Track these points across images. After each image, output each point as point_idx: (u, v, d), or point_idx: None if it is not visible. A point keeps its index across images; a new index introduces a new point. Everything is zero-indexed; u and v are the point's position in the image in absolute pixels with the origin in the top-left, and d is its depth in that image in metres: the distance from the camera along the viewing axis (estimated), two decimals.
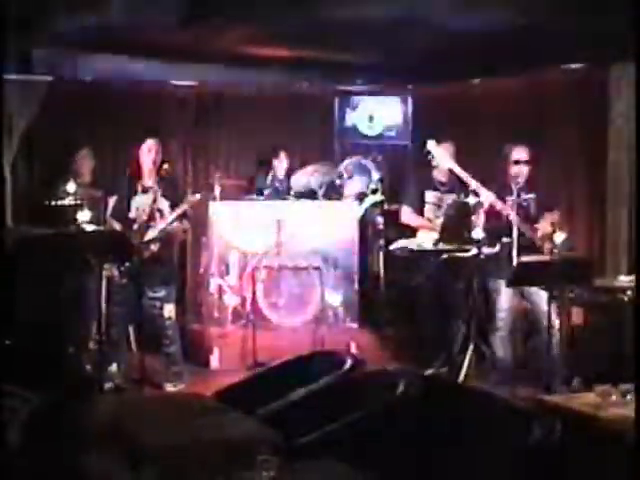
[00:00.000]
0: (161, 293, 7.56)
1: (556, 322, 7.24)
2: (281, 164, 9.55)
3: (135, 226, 7.49)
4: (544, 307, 6.99)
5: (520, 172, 7.46)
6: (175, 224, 7.61)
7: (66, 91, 8.91)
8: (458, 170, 7.47)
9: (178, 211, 7.53)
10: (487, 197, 7.30)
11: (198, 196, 7.72)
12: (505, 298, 7.43)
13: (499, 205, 7.30)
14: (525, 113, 9.18)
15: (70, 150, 8.59)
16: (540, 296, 7.22)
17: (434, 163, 8.13)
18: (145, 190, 7.58)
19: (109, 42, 7.81)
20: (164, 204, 7.56)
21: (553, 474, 3.70)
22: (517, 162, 7.47)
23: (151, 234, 7.42)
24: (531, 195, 7.50)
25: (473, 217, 7.41)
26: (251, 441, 4.13)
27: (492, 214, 7.33)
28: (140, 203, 7.56)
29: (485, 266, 7.44)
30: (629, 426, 4.81)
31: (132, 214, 7.55)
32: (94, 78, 9.02)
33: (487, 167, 7.85)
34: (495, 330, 7.49)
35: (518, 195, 7.36)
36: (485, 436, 4.09)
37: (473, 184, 7.33)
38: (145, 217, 7.49)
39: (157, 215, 7.53)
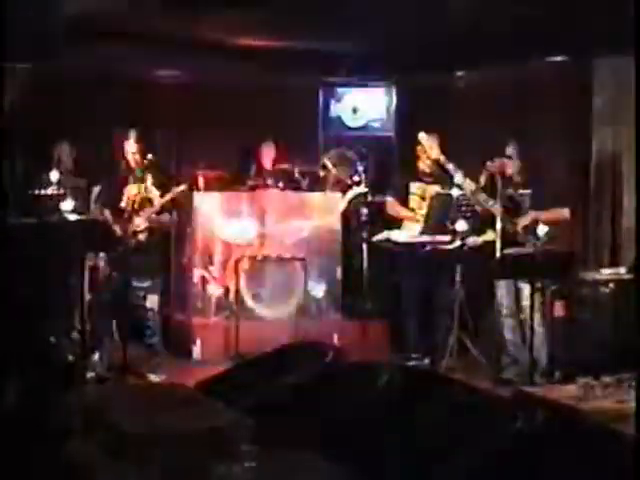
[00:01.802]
0: (146, 283, 7.56)
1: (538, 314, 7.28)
2: (269, 154, 9.53)
3: (125, 215, 7.52)
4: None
5: (512, 167, 7.52)
6: (164, 215, 7.63)
7: (47, 78, 8.88)
8: (444, 161, 7.54)
9: (164, 199, 7.54)
10: (469, 187, 7.35)
11: (183, 187, 7.73)
12: (505, 286, 7.48)
13: (482, 197, 7.33)
14: (509, 106, 9.18)
15: (52, 138, 8.55)
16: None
17: (419, 154, 8.17)
18: (137, 180, 7.61)
19: (91, 28, 7.77)
20: (154, 194, 7.59)
21: (535, 466, 3.70)
22: (509, 157, 7.52)
23: (139, 222, 7.43)
24: (526, 191, 7.54)
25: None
26: (232, 432, 4.12)
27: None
28: (131, 192, 7.60)
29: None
30: (611, 418, 4.84)
31: (124, 203, 7.59)
32: (76, 65, 8.97)
33: (471, 158, 7.86)
34: (501, 317, 7.52)
35: (514, 190, 7.45)
36: (467, 428, 4.09)
37: (458, 176, 7.38)
38: (136, 206, 7.52)
39: (147, 204, 7.56)
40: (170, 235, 9.21)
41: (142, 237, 7.49)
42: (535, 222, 7.28)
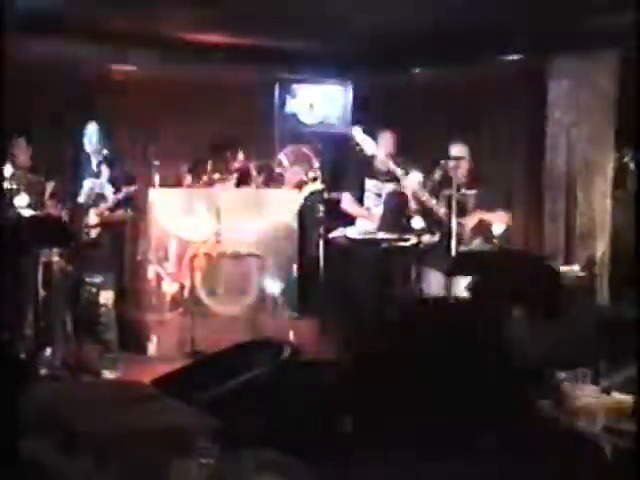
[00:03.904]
0: (98, 279, 7.53)
1: None
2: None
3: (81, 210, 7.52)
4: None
5: (458, 167, 7.54)
6: (119, 212, 7.62)
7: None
8: (382, 158, 7.59)
9: (116, 197, 7.54)
10: (411, 186, 7.39)
11: (133, 188, 7.74)
12: (435, 285, 7.51)
13: (424, 196, 7.37)
14: (464, 104, 9.22)
15: (6, 134, 8.46)
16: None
17: (368, 151, 8.18)
18: (96, 175, 7.60)
19: (46, 24, 7.71)
20: (108, 189, 7.56)
21: None
22: (456, 158, 7.54)
23: (91, 219, 7.41)
24: (471, 191, 7.56)
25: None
26: (188, 429, 4.11)
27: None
28: (88, 187, 7.57)
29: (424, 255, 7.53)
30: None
31: (81, 198, 7.56)
32: (30, 60, 8.88)
33: (425, 157, 7.89)
34: None
35: (458, 190, 7.46)
36: None
37: (398, 172, 7.43)
38: (90, 202, 7.51)
39: (100, 200, 7.54)
40: (124, 231, 9.16)
41: (94, 233, 7.48)
42: (481, 222, 7.36)
